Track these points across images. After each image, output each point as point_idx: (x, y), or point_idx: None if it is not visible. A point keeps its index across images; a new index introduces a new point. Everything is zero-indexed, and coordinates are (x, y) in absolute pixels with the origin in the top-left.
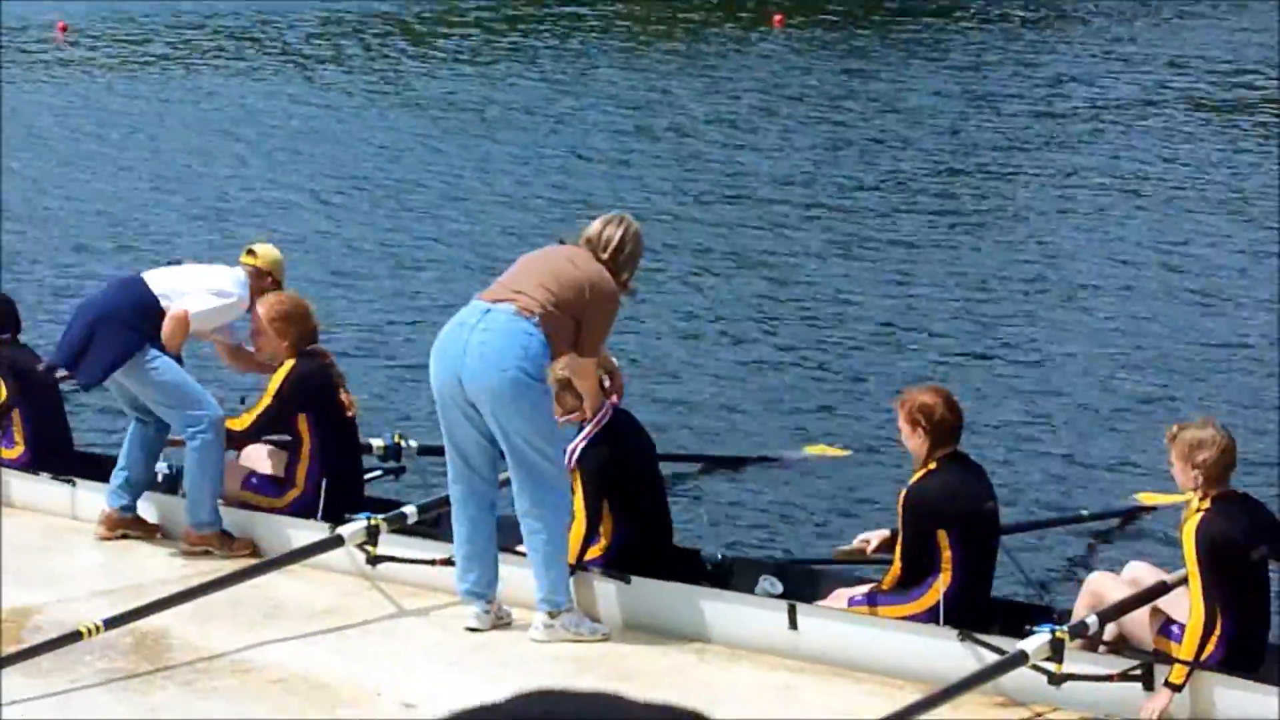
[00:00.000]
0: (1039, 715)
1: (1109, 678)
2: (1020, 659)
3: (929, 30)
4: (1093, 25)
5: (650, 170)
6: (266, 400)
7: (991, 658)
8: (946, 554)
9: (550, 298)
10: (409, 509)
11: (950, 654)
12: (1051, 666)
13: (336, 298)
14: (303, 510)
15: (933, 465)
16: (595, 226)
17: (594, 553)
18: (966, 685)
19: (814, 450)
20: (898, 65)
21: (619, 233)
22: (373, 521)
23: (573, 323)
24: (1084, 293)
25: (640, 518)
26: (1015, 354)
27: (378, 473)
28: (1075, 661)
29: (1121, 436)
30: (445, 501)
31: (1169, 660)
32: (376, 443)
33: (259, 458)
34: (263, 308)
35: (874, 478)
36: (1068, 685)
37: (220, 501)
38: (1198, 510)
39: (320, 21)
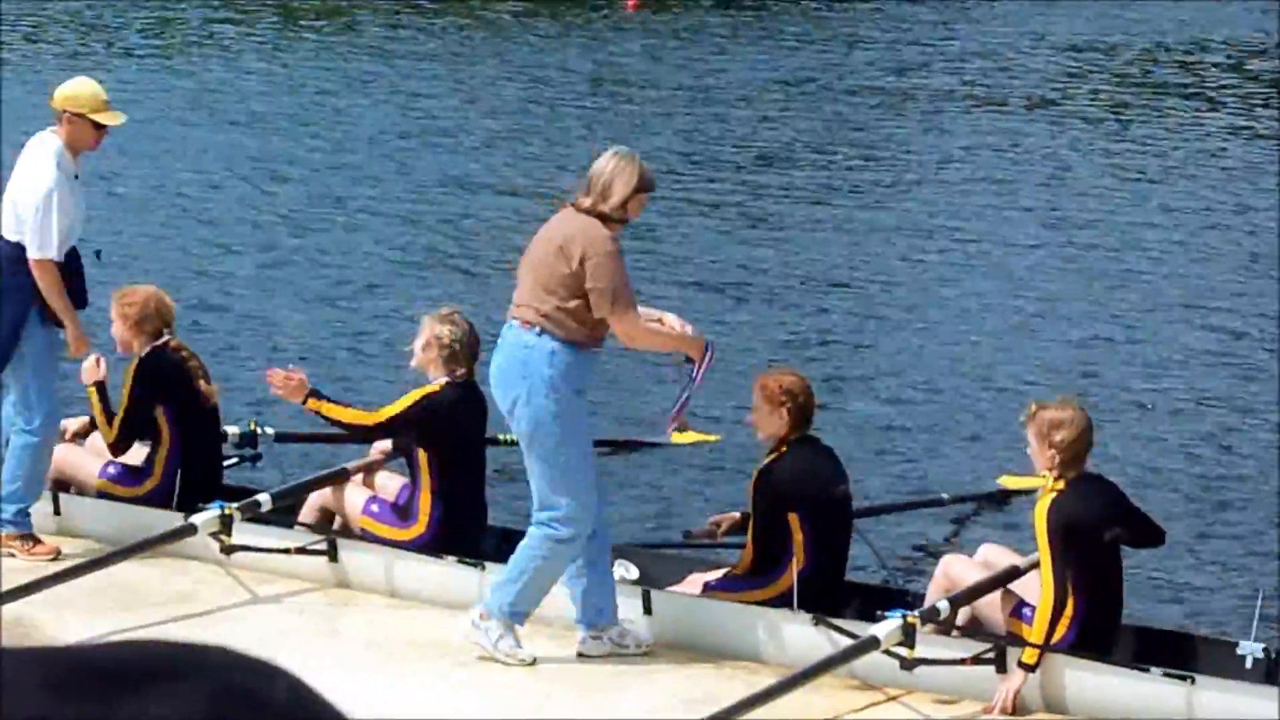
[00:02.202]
0: (893, 698)
1: (961, 661)
2: (873, 644)
3: (782, 12)
4: (948, 4)
5: (513, 150)
6: (124, 403)
7: (845, 642)
8: (798, 537)
9: (545, 292)
10: (263, 497)
11: (805, 638)
12: (904, 651)
13: (197, 280)
14: (160, 500)
15: (784, 448)
16: (590, 170)
17: (411, 534)
18: (820, 669)
19: (683, 438)
20: (752, 47)
21: (604, 166)
22: (226, 510)
23: (580, 297)
24: (946, 275)
25: (456, 498)
26: (877, 337)
27: (234, 460)
28: (928, 645)
29: (985, 419)
30: (300, 489)
31: (1022, 642)
32: (232, 430)
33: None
34: (115, 304)
35: (738, 461)
36: (920, 669)
37: (73, 491)
38: (1052, 491)
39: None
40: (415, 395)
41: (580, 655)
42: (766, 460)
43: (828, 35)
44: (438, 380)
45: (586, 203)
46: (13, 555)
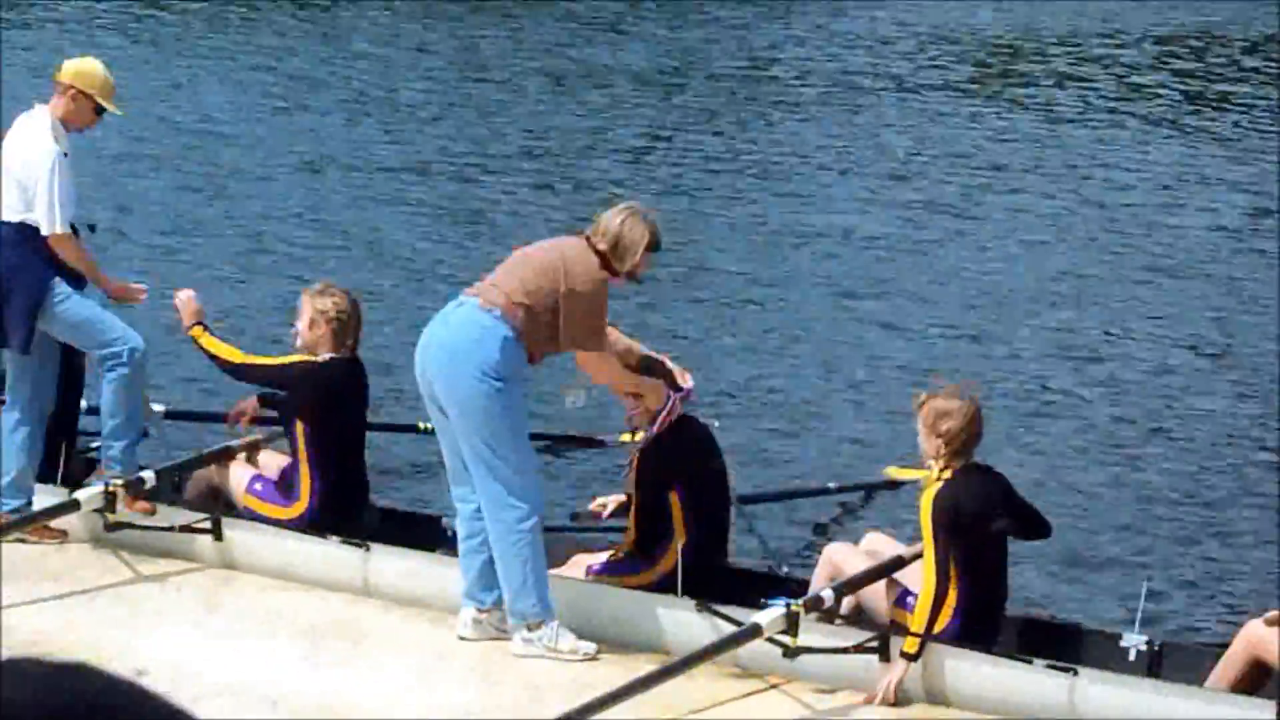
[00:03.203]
0: (775, 686)
1: (844, 650)
2: (755, 631)
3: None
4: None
5: (400, 128)
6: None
7: (729, 629)
8: (679, 515)
9: (523, 290)
10: (147, 474)
11: (687, 624)
12: (787, 639)
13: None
14: (44, 477)
15: (663, 428)
16: (603, 215)
17: (294, 512)
18: (702, 656)
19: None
20: (673, 29)
21: (617, 220)
22: (110, 487)
23: (551, 315)
24: (837, 264)
25: (336, 475)
26: (764, 326)
27: None
28: (811, 634)
29: (874, 409)
30: (186, 466)
31: (905, 632)
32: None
33: None
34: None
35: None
36: (803, 657)
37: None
38: (938, 480)
39: None
40: (298, 358)
41: (460, 637)
42: (645, 441)
43: (715, 22)
44: (325, 356)
45: (601, 245)
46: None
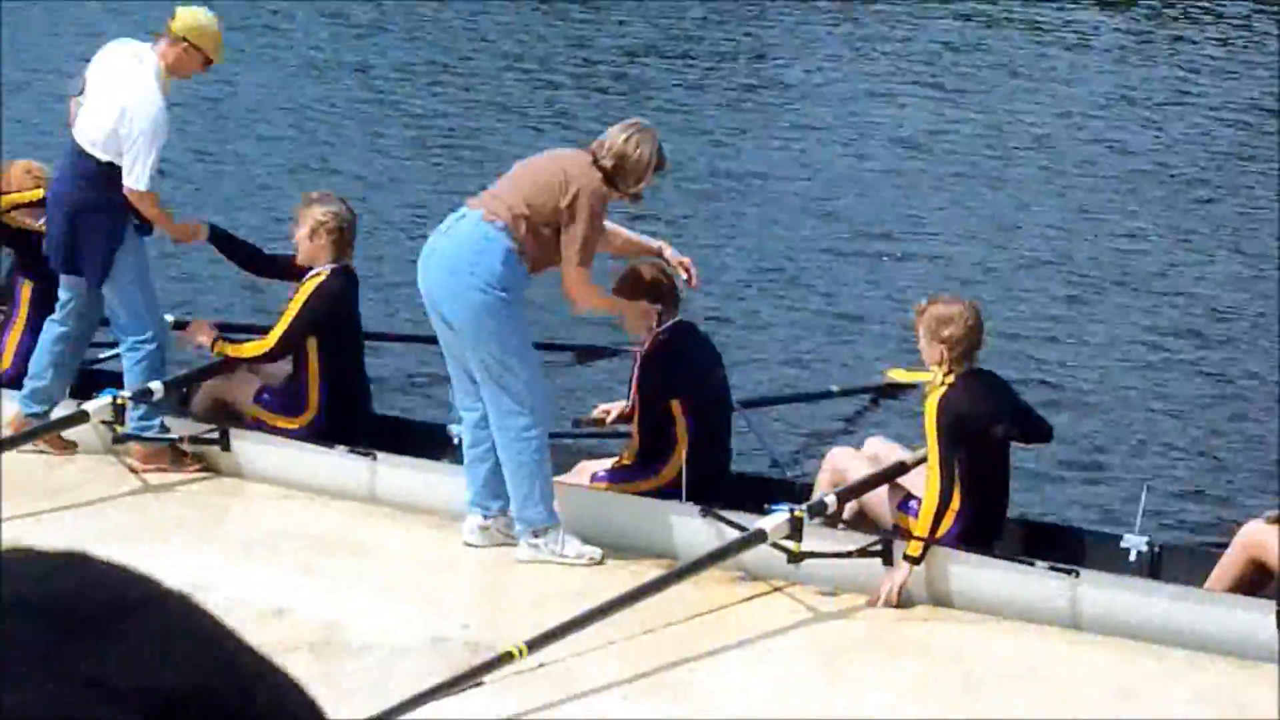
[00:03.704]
0: (779, 589)
1: (847, 554)
2: (759, 537)
3: None
4: None
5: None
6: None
7: (733, 534)
8: (682, 423)
9: (525, 202)
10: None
11: (692, 530)
12: (790, 545)
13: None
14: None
15: (662, 336)
16: (610, 130)
17: (301, 422)
18: (707, 562)
19: None
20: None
21: (624, 137)
22: (119, 399)
23: (552, 229)
24: (836, 170)
25: (342, 385)
26: (764, 231)
27: None
28: (814, 539)
29: (874, 313)
30: (192, 378)
31: (908, 536)
32: None
33: None
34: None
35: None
36: (807, 562)
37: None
38: (941, 386)
39: None
40: (304, 294)
41: (466, 544)
42: (645, 347)
43: None
44: (324, 267)
45: (605, 163)
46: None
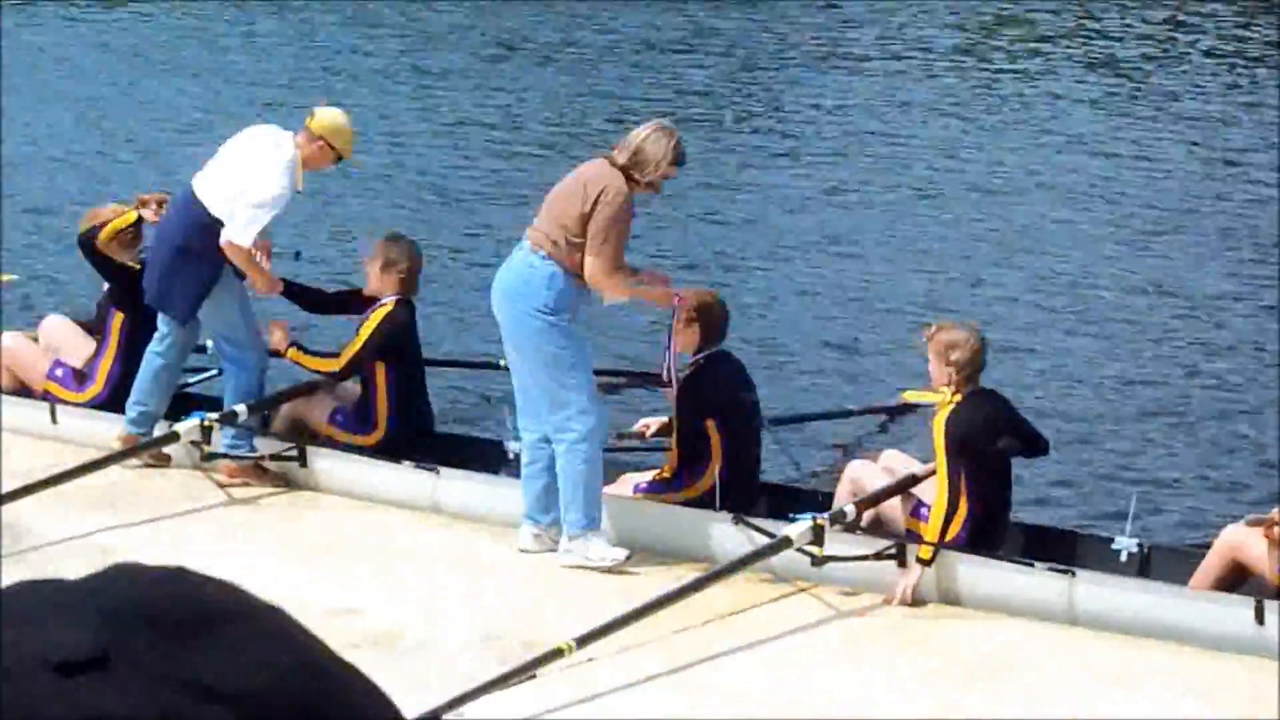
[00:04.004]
0: (803, 590)
1: (865, 557)
2: (785, 543)
3: None
4: None
5: (475, 88)
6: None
7: (762, 540)
8: (715, 440)
9: (556, 223)
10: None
11: (725, 536)
12: (814, 549)
13: None
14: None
15: (701, 361)
16: (630, 132)
17: (372, 439)
18: (738, 565)
19: None
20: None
21: (641, 134)
22: (206, 421)
23: (583, 238)
24: (855, 214)
25: (407, 405)
26: (792, 266)
27: (213, 372)
28: (835, 543)
29: (888, 339)
30: (273, 400)
31: (920, 540)
32: (210, 344)
33: (67, 349)
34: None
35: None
36: (829, 565)
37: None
38: (949, 404)
39: None
40: (373, 322)
41: (521, 550)
42: (686, 373)
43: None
44: (389, 298)
45: (621, 160)
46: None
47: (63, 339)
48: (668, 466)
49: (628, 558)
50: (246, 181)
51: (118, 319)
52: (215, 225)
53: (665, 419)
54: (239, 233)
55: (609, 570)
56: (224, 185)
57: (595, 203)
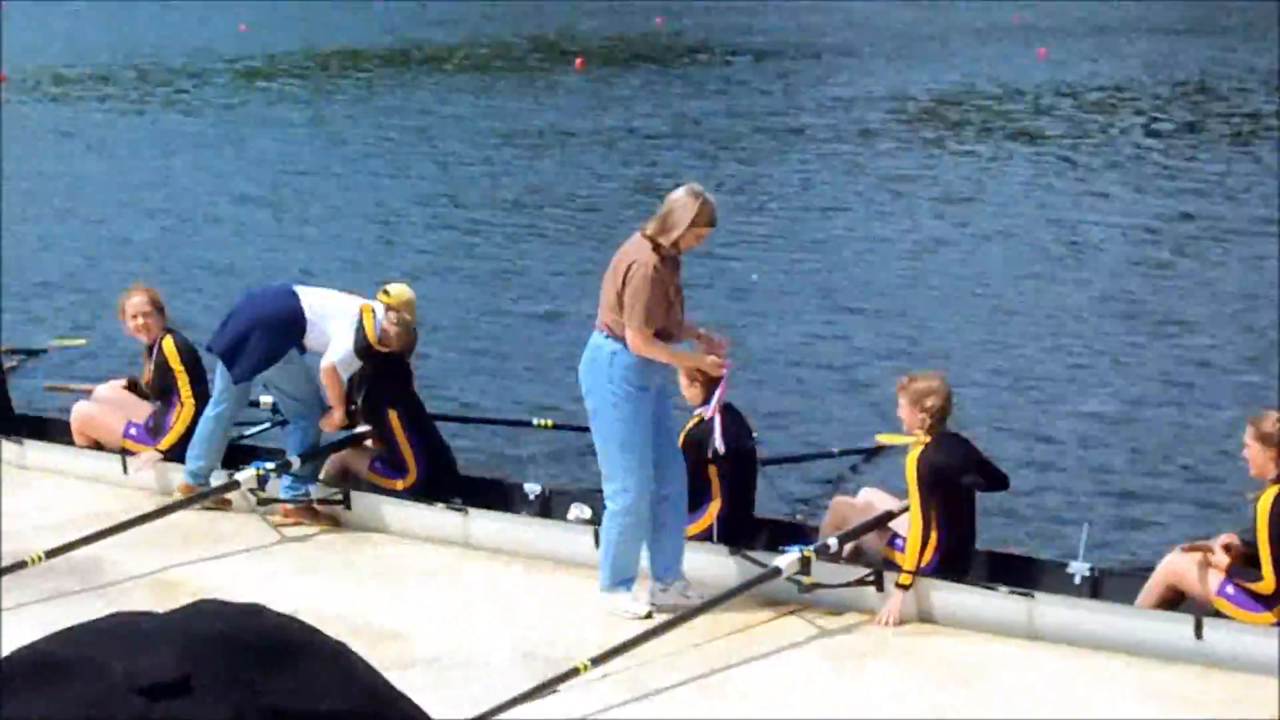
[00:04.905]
0: (793, 612)
1: (848, 584)
2: (776, 573)
3: (703, 68)
4: (851, 58)
5: (489, 173)
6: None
7: (755, 570)
8: (716, 483)
9: (606, 304)
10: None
11: (723, 566)
12: (802, 578)
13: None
14: (173, 456)
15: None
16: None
17: (407, 483)
18: (735, 592)
19: None
20: (679, 97)
21: (670, 199)
22: (260, 472)
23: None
24: (834, 274)
25: (431, 450)
26: (780, 324)
27: (266, 425)
28: (820, 572)
29: (863, 389)
30: (324, 451)
31: (896, 568)
32: (265, 399)
33: (136, 410)
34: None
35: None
36: (815, 591)
37: (101, 447)
38: (919, 445)
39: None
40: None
41: (653, 605)
42: (691, 424)
43: (735, 86)
44: (393, 349)
45: (649, 230)
46: (300, 523)
47: (123, 401)
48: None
49: (649, 614)
50: (346, 331)
51: (183, 382)
52: (300, 322)
53: None
54: (336, 358)
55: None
56: (323, 306)
57: (626, 274)
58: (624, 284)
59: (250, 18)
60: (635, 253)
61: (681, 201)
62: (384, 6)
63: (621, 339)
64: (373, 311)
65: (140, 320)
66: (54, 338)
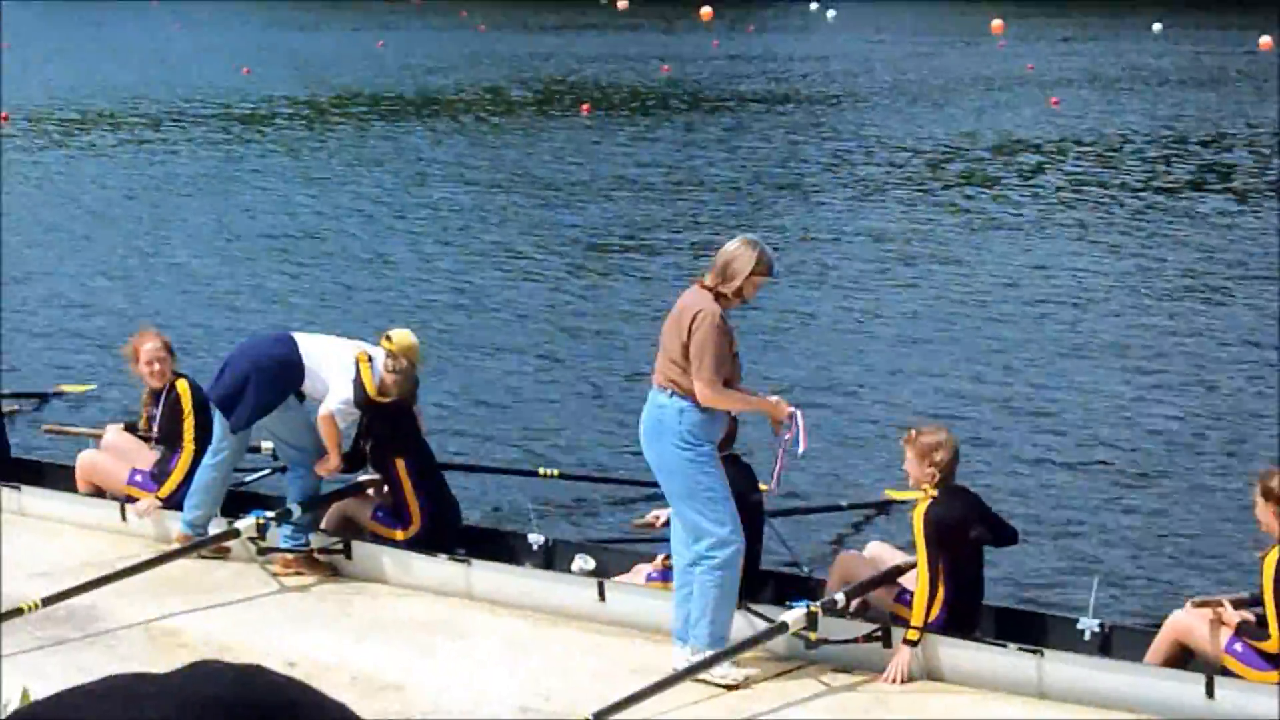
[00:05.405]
0: (800, 668)
1: (855, 640)
2: (782, 628)
3: (704, 114)
4: (857, 105)
5: (493, 218)
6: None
7: (762, 625)
8: None
9: (669, 361)
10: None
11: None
12: (808, 634)
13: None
14: (173, 503)
15: None
16: (718, 253)
17: (409, 534)
18: (741, 648)
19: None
20: (680, 144)
21: (729, 249)
22: (260, 520)
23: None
24: (838, 329)
25: (435, 500)
26: (787, 377)
27: (266, 471)
28: (828, 628)
29: (869, 444)
30: (325, 499)
31: (904, 623)
32: (266, 445)
33: (140, 457)
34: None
35: None
36: (821, 647)
37: (102, 494)
38: (927, 499)
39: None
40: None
41: (675, 668)
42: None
43: (743, 133)
44: (393, 398)
45: (709, 281)
46: (300, 573)
47: (127, 448)
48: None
49: (745, 680)
50: (345, 379)
51: (189, 427)
52: (297, 369)
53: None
54: (334, 404)
55: (627, 649)
56: (322, 353)
57: (691, 328)
58: (689, 335)
59: (252, 60)
60: (699, 303)
61: (739, 251)
62: (386, 51)
63: (687, 394)
64: (369, 360)
65: (156, 365)
66: (59, 383)
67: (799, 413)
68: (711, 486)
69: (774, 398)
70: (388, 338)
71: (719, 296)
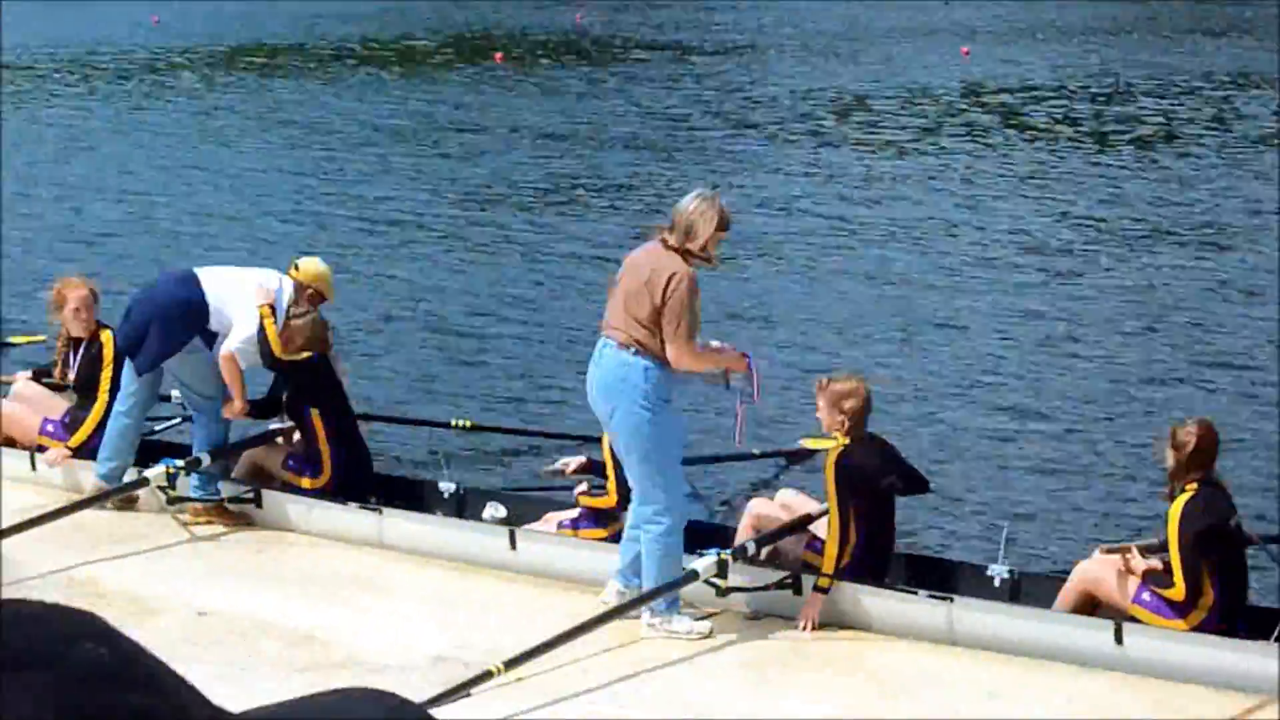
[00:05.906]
0: (710, 615)
1: (765, 587)
2: (693, 576)
3: (614, 65)
4: (770, 56)
5: (405, 171)
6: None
7: None
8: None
9: (635, 320)
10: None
11: None
12: (719, 581)
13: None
14: (84, 453)
15: None
16: (673, 210)
17: (320, 483)
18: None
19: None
20: (590, 94)
21: (687, 207)
22: (169, 469)
23: (660, 329)
24: (757, 277)
25: (348, 450)
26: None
27: (176, 420)
28: (738, 575)
29: (787, 390)
30: (236, 447)
31: (815, 571)
32: (176, 394)
33: (50, 405)
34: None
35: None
36: (733, 595)
37: (14, 444)
38: (839, 448)
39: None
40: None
41: (603, 602)
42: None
43: (661, 81)
44: (312, 354)
45: (673, 240)
46: (211, 522)
47: (39, 398)
48: (594, 505)
49: (710, 632)
50: (248, 316)
51: (106, 377)
52: (202, 307)
53: (583, 459)
54: (235, 343)
55: (545, 600)
56: (225, 288)
57: (665, 291)
58: (664, 298)
59: (162, 10)
60: (671, 265)
61: (699, 208)
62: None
63: (653, 355)
64: (272, 313)
65: (83, 313)
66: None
67: (753, 361)
68: (670, 450)
69: (729, 345)
70: (295, 266)
71: (686, 255)
